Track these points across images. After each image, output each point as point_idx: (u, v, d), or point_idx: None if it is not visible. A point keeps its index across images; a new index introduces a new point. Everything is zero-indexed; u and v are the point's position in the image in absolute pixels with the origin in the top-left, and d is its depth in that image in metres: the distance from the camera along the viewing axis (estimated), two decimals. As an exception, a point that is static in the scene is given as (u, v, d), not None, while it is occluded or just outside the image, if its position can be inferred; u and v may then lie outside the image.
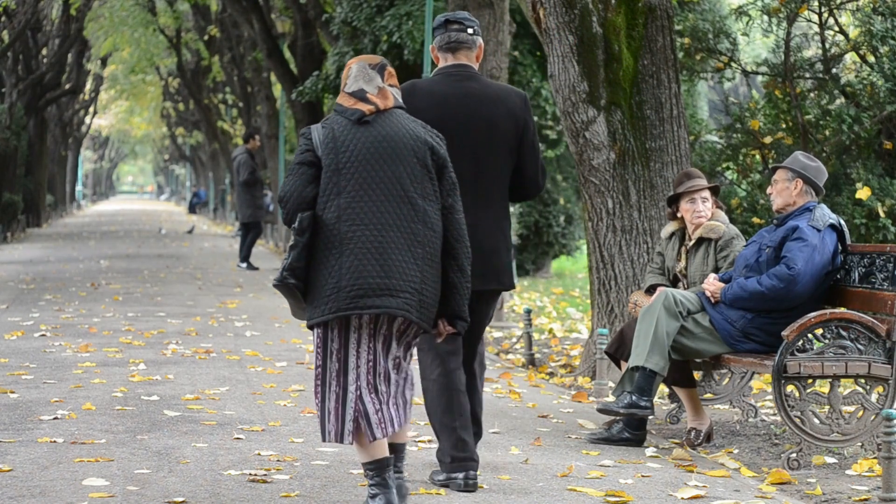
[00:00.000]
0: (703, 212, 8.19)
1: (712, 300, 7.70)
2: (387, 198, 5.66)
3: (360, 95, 5.79)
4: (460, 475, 6.30)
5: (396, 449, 5.85)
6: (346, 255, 5.59)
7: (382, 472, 5.62)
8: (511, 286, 6.66)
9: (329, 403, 5.62)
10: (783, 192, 7.68)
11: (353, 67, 5.87)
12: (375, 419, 5.58)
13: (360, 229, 5.61)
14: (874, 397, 7.20)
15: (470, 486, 6.28)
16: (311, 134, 5.77)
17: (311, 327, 5.67)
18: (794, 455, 7.10)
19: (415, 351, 5.95)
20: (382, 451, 5.62)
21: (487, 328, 14.49)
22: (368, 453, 5.62)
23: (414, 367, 6.08)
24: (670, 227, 8.39)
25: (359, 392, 5.61)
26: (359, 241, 5.60)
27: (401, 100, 5.92)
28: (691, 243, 8.24)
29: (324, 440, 5.66)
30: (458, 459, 6.32)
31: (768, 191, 7.82)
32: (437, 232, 5.75)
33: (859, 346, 7.17)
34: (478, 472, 6.38)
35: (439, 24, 6.61)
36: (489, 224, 6.50)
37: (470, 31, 6.58)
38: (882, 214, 11.26)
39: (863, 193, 11.18)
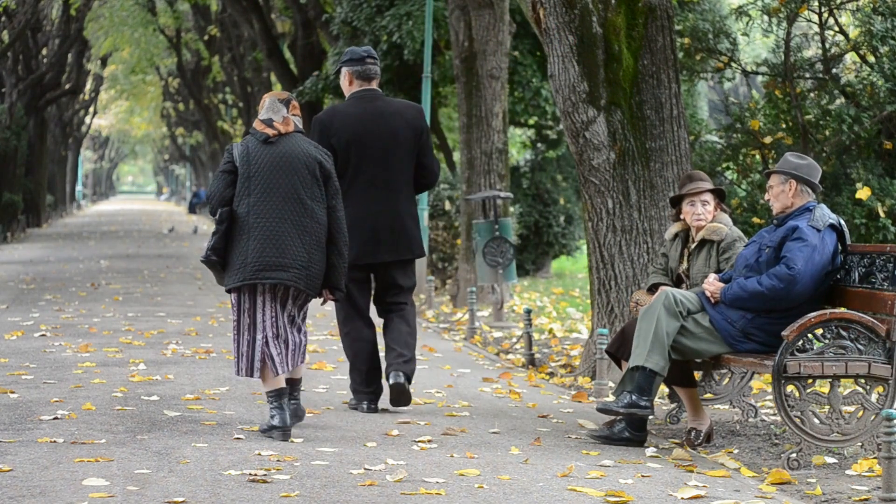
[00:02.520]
0: (702, 215, 8.18)
1: (712, 300, 7.70)
2: (284, 199, 7.65)
3: (268, 123, 7.80)
4: (364, 404, 8.56)
5: (293, 382, 7.85)
6: (252, 240, 7.60)
7: (280, 398, 7.58)
8: (421, 254, 8.69)
9: (242, 348, 7.63)
10: (779, 195, 7.68)
11: (267, 101, 7.89)
12: (278, 360, 7.57)
13: (263, 221, 7.63)
14: (874, 397, 7.20)
15: (372, 410, 8.55)
16: (232, 150, 7.81)
17: (228, 291, 7.70)
18: (794, 455, 7.10)
19: (307, 310, 7.86)
20: (281, 382, 7.61)
21: (487, 328, 14.55)
22: (271, 384, 7.60)
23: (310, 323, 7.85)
24: (674, 228, 8.40)
25: (265, 339, 7.58)
26: (262, 229, 7.62)
27: (300, 126, 7.87)
28: (694, 245, 8.24)
29: (237, 374, 7.66)
30: (363, 392, 8.60)
31: (766, 197, 7.82)
32: (321, 224, 7.72)
33: (859, 346, 7.17)
34: (378, 401, 8.61)
35: (359, 57, 8.70)
36: (399, 209, 8.62)
37: (380, 65, 8.87)
38: (882, 214, 11.26)
39: (863, 193, 11.18)
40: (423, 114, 8.82)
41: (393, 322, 8.67)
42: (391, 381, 8.45)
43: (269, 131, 7.76)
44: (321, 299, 7.94)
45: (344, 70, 8.76)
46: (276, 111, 7.84)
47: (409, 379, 8.51)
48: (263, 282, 7.55)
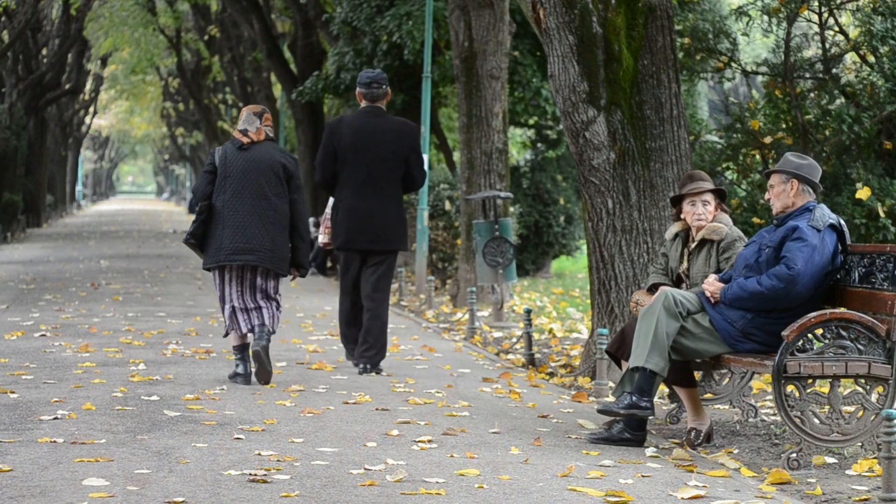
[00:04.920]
0: (702, 215, 8.18)
1: (712, 300, 7.69)
2: (252, 196, 9.60)
3: (244, 132, 9.71)
4: (360, 366, 10.43)
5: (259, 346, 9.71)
6: (226, 229, 9.55)
7: (243, 351, 9.67)
8: (403, 248, 10.57)
9: (226, 313, 9.67)
10: (780, 195, 7.68)
11: (244, 113, 9.78)
12: (243, 323, 9.61)
13: (234, 214, 9.58)
14: (874, 397, 7.20)
15: (367, 370, 10.39)
16: (214, 154, 9.77)
17: (206, 269, 9.75)
18: (794, 455, 7.10)
19: (279, 283, 9.81)
20: (244, 340, 9.68)
21: (487, 328, 14.55)
22: (236, 341, 9.68)
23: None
24: (674, 227, 8.40)
25: (232, 307, 9.62)
26: (233, 221, 9.56)
27: (272, 134, 9.78)
28: (694, 245, 8.24)
29: (225, 336, 9.89)
30: (349, 347, 10.68)
31: (766, 196, 7.82)
32: (283, 215, 9.66)
33: (859, 346, 7.16)
34: (368, 364, 10.39)
35: (364, 81, 10.58)
36: (384, 208, 10.47)
37: (384, 87, 10.63)
38: (882, 214, 11.27)
39: (863, 193, 11.18)
40: (416, 132, 10.74)
41: (367, 318, 10.47)
42: (358, 370, 10.46)
43: (244, 139, 9.67)
44: (290, 276, 9.86)
45: (357, 89, 10.68)
46: (251, 122, 9.73)
47: (373, 364, 10.43)
48: (234, 263, 9.51)
